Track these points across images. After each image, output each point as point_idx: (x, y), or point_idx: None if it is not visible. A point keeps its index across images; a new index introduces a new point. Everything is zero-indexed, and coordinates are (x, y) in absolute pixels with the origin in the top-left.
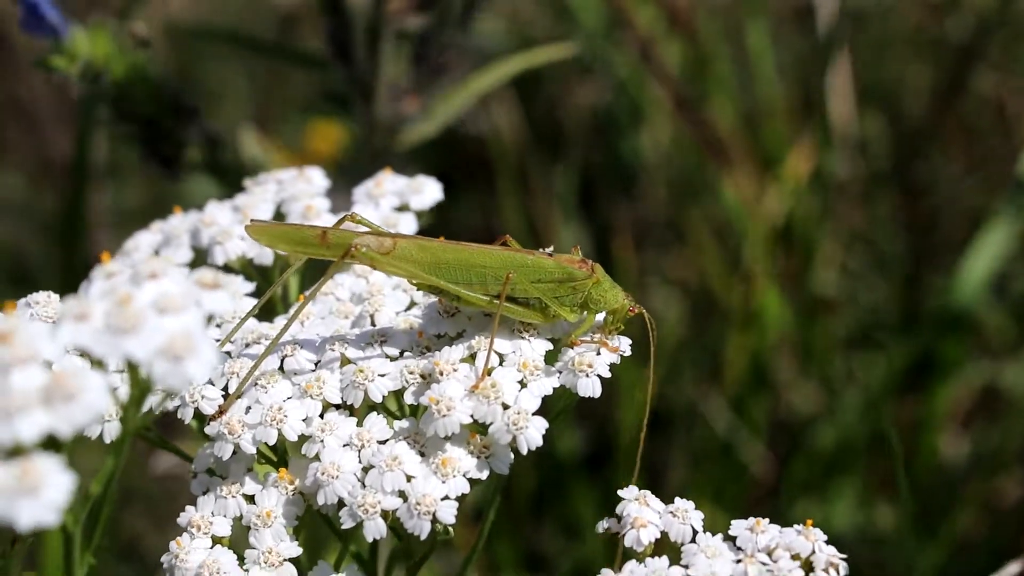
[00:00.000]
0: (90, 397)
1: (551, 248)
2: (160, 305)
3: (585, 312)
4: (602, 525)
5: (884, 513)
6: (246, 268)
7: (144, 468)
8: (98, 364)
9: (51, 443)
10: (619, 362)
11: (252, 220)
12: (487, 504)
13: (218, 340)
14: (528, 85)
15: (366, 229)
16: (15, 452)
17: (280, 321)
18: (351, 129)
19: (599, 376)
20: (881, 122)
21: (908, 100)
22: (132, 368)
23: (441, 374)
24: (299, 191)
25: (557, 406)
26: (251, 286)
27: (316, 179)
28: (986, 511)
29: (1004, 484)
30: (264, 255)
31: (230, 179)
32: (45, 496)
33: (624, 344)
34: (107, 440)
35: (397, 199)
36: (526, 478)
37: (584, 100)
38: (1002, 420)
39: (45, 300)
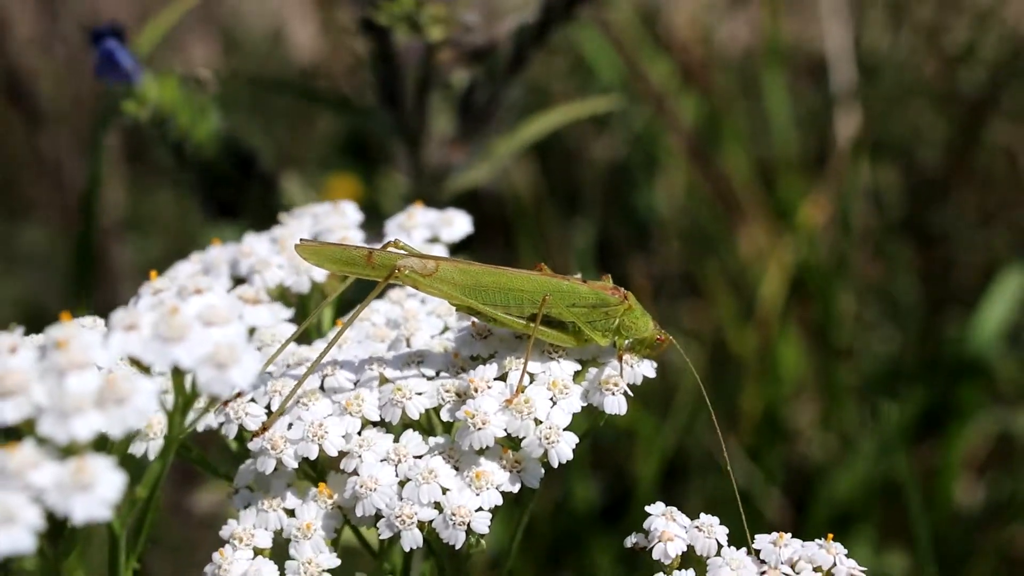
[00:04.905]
0: (140, 400)
1: (579, 275)
2: (205, 317)
3: (616, 337)
4: (630, 540)
5: (899, 561)
6: (284, 296)
7: (169, 518)
8: (145, 372)
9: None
10: (639, 382)
11: (301, 240)
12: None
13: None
14: (545, 142)
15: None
16: (69, 451)
17: (319, 344)
18: (370, 179)
19: (624, 394)
20: (895, 173)
21: (922, 151)
22: (177, 378)
23: (476, 391)
24: (334, 224)
25: (584, 427)
26: (289, 312)
27: (350, 212)
28: (1002, 560)
29: (1019, 533)
30: (301, 284)
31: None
32: (98, 492)
33: (649, 367)
34: (151, 457)
35: (428, 231)
36: (544, 526)
37: (600, 155)
38: (1016, 468)
39: (91, 324)
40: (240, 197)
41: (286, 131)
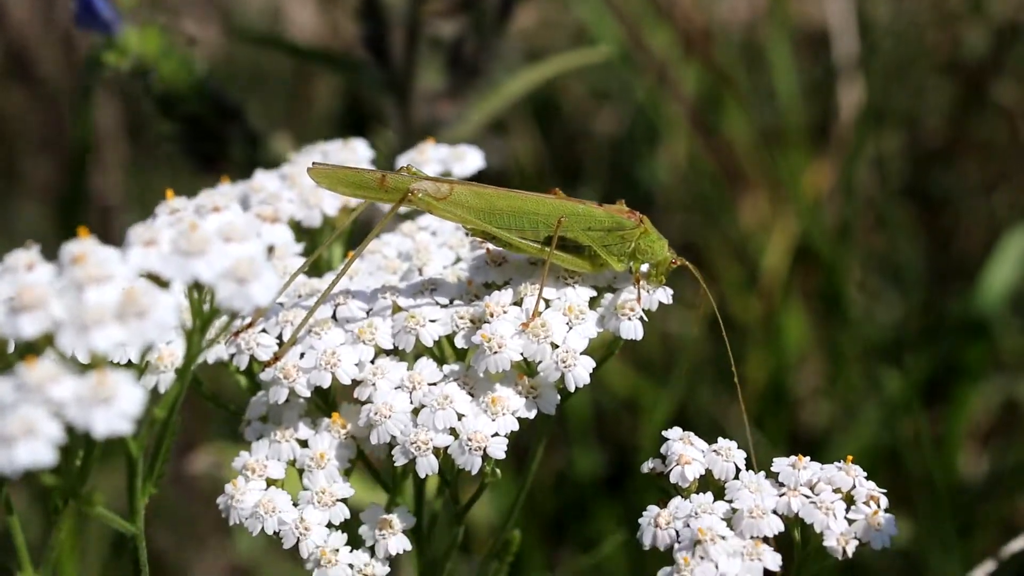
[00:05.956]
0: (161, 313)
1: (597, 201)
2: (225, 233)
3: (632, 262)
4: (647, 465)
5: (903, 529)
6: (295, 230)
7: (169, 487)
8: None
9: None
10: (655, 308)
11: (314, 163)
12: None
13: None
14: (547, 116)
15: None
16: (89, 366)
17: (330, 277)
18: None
19: (641, 319)
20: (898, 140)
21: (925, 117)
22: (195, 295)
23: (491, 315)
24: (344, 159)
25: (601, 353)
26: (300, 246)
27: (360, 149)
28: (1005, 530)
29: (1023, 504)
30: (312, 218)
31: None
32: (119, 406)
33: (664, 294)
34: (162, 390)
35: (440, 166)
36: (547, 497)
37: (602, 128)
38: (1020, 438)
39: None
40: (224, 150)
41: (285, 108)
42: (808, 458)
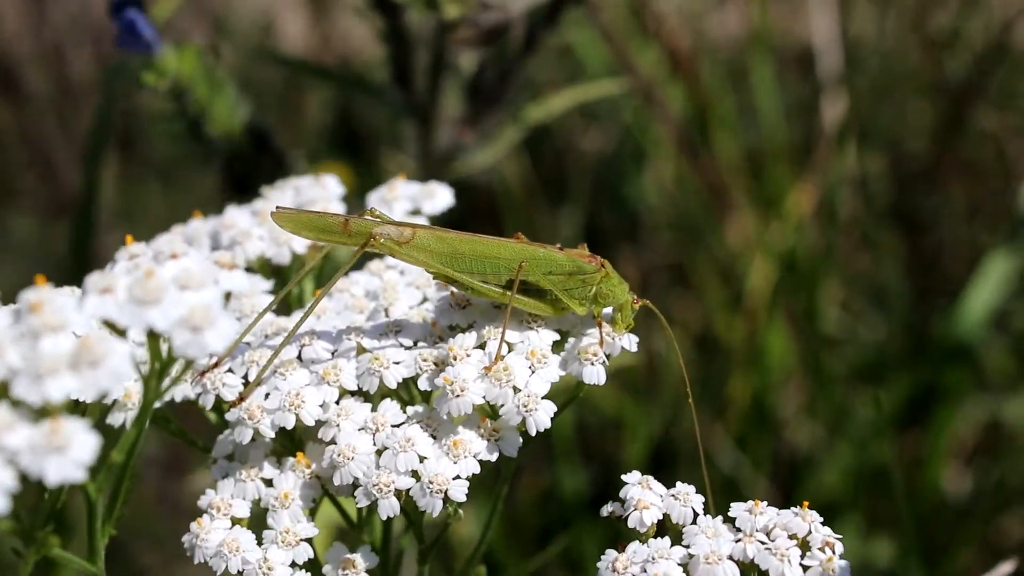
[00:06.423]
0: (115, 363)
1: (558, 244)
2: (181, 281)
3: (593, 305)
4: (606, 509)
5: (886, 548)
6: (264, 268)
7: (155, 505)
8: (121, 336)
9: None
10: (619, 353)
11: (278, 207)
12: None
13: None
14: (535, 133)
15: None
16: (43, 413)
17: (298, 315)
18: (360, 171)
19: (603, 364)
20: (882, 161)
21: (909, 139)
22: (153, 342)
23: (455, 358)
24: (315, 196)
25: (565, 397)
26: (269, 284)
27: (331, 185)
28: (989, 549)
29: (1007, 523)
30: (281, 255)
31: None
32: (72, 454)
33: (628, 340)
34: (128, 427)
35: (410, 203)
36: (532, 515)
37: (589, 147)
38: (1004, 457)
39: (70, 293)
40: (255, 173)
41: (275, 122)
42: (765, 503)
